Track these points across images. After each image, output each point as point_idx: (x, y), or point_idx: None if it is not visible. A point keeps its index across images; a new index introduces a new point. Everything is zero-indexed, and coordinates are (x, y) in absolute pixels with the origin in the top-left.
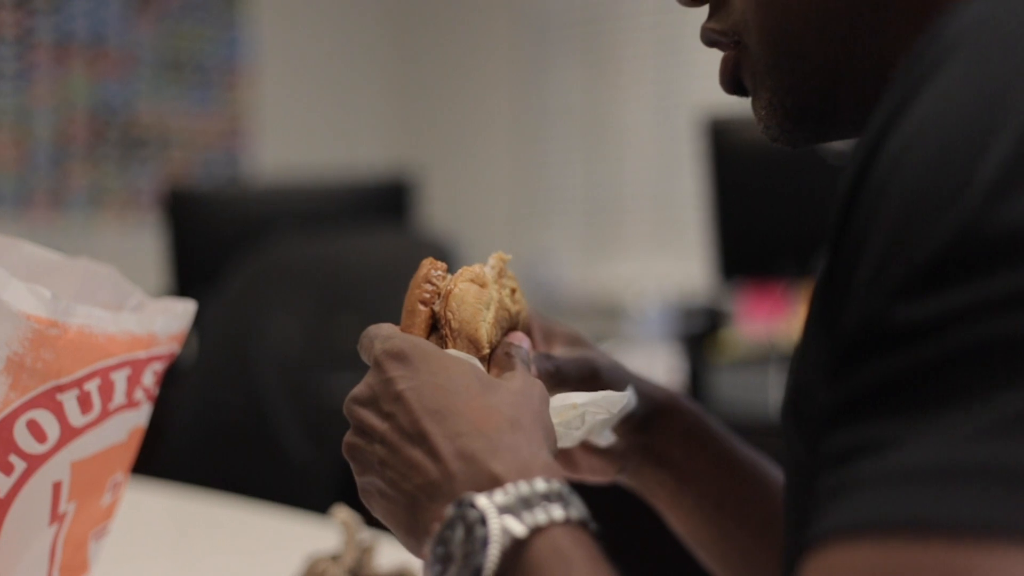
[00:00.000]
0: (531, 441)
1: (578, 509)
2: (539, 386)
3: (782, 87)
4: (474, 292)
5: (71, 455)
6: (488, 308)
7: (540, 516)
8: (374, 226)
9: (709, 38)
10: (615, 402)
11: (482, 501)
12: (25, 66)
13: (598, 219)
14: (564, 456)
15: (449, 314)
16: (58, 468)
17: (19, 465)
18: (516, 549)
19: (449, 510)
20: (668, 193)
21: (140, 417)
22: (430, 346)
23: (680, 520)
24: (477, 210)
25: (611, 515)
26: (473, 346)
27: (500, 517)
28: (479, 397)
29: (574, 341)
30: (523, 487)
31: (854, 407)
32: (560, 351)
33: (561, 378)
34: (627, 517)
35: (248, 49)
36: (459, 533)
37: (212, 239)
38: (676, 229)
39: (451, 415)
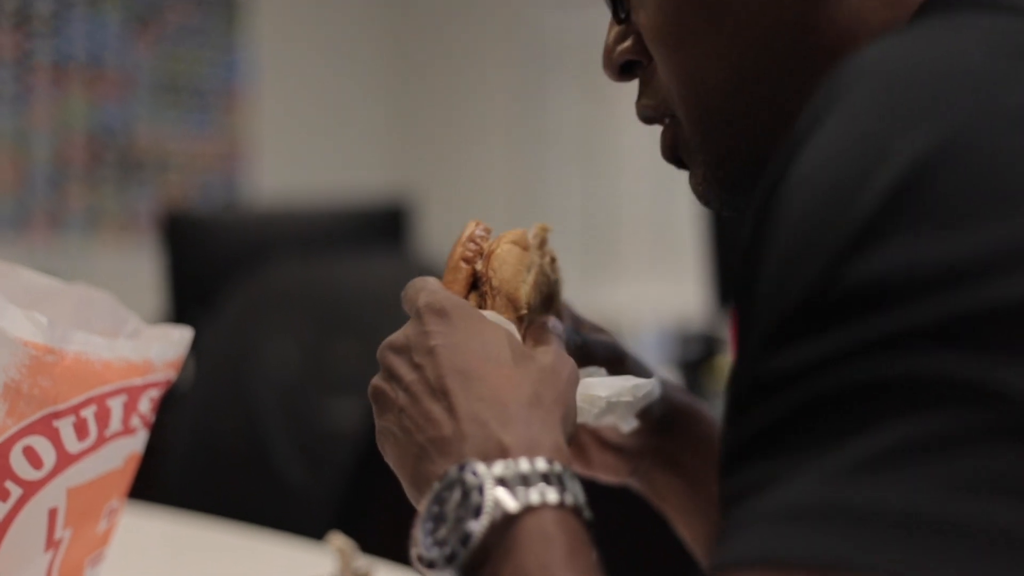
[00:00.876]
0: (546, 420)
1: (574, 495)
2: (570, 365)
3: (713, 160)
4: (516, 254)
5: (67, 481)
6: (529, 271)
7: (534, 496)
8: (372, 250)
9: (643, 115)
10: (640, 387)
11: (482, 469)
12: (24, 88)
13: (595, 244)
14: (578, 452)
15: (491, 272)
16: (54, 495)
17: (15, 491)
18: (505, 523)
19: (452, 471)
20: (665, 219)
21: (136, 444)
22: (472, 309)
23: (688, 526)
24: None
25: (619, 517)
26: (512, 305)
27: (496, 489)
28: (507, 367)
29: (600, 329)
30: (524, 464)
31: (739, 452)
32: (590, 334)
33: (588, 355)
34: (634, 519)
35: (246, 73)
36: (456, 496)
37: (209, 262)
38: (673, 254)
39: (476, 379)
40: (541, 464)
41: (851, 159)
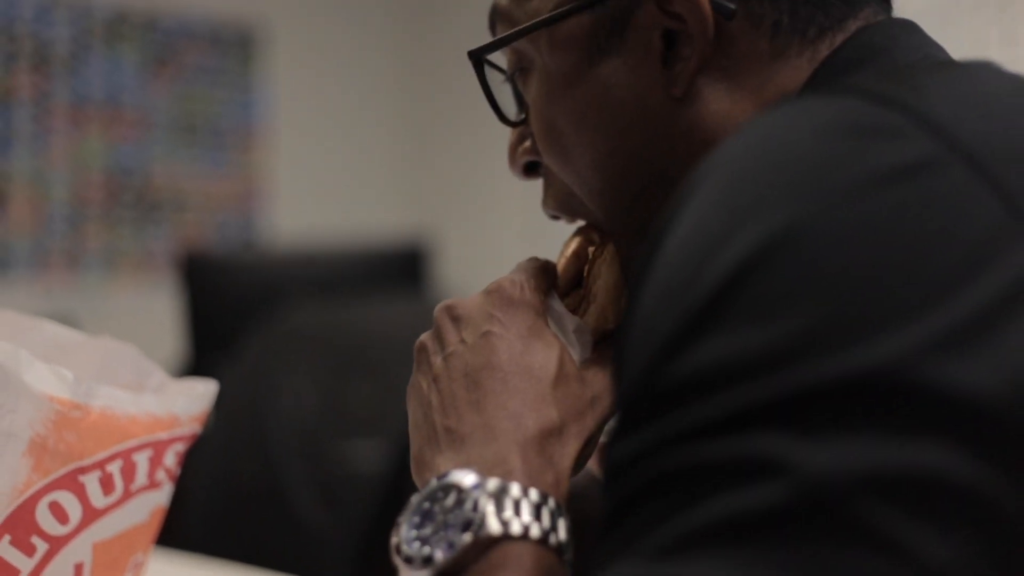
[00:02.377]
0: (559, 452)
1: (558, 534)
2: (611, 399)
3: (622, 242)
4: (619, 270)
5: (93, 536)
6: (626, 292)
7: (515, 526)
8: (390, 292)
9: (550, 216)
10: None
11: (480, 482)
12: (41, 128)
13: None
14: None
15: (593, 276)
16: (80, 549)
17: (41, 547)
18: (487, 543)
19: (452, 475)
20: None
21: (162, 497)
22: (539, 309)
23: None
24: (493, 275)
25: None
26: (602, 316)
27: (488, 507)
28: (546, 386)
29: None
30: (516, 490)
31: (600, 533)
32: None
33: None
34: None
35: (263, 112)
36: (449, 501)
37: (228, 303)
38: None
39: (512, 388)
40: (534, 496)
41: (687, 257)
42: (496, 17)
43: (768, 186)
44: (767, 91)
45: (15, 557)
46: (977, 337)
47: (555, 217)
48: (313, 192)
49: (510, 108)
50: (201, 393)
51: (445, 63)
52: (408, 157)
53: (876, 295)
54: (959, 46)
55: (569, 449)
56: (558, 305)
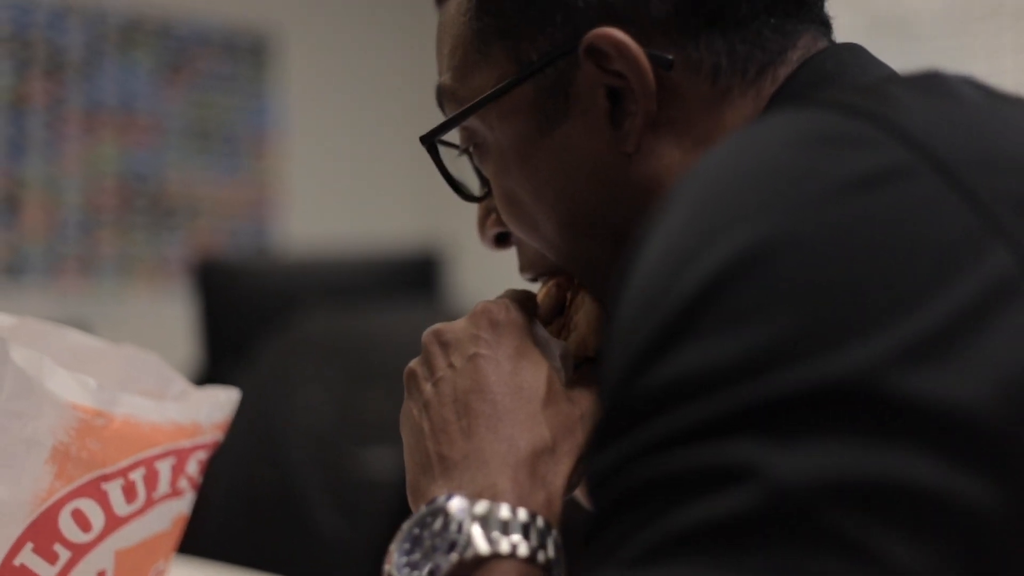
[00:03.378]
0: (551, 471)
1: (547, 553)
2: None
3: (601, 297)
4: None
5: (115, 544)
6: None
7: (505, 544)
8: (404, 300)
9: (528, 280)
10: None
11: (466, 506)
12: (55, 135)
13: None
14: None
15: (576, 305)
16: (102, 557)
17: (64, 554)
18: (474, 563)
19: (440, 499)
20: None
21: (183, 505)
22: (526, 330)
23: None
24: (506, 283)
25: None
26: (583, 345)
27: (474, 527)
28: (536, 405)
29: None
30: (505, 510)
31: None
32: None
33: None
34: None
35: (276, 119)
36: (437, 524)
37: (242, 310)
38: None
39: (501, 411)
40: (523, 515)
41: (660, 271)
42: (442, 97)
43: (739, 198)
44: (716, 134)
45: (38, 565)
46: (949, 345)
47: (533, 280)
48: (326, 199)
49: (472, 183)
50: (223, 401)
51: None
52: (421, 164)
53: (847, 304)
54: (973, 54)
55: (562, 467)
56: (542, 331)
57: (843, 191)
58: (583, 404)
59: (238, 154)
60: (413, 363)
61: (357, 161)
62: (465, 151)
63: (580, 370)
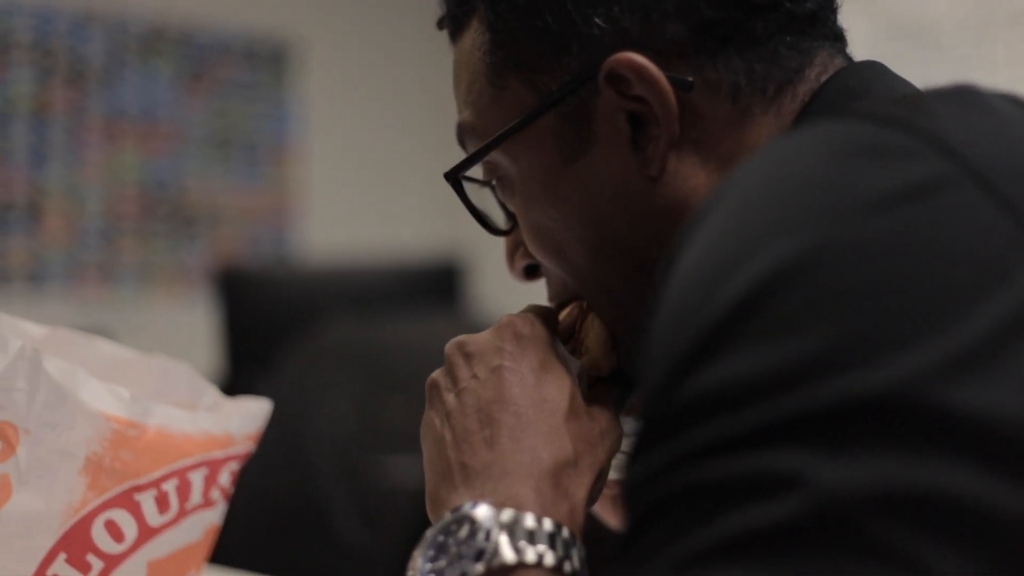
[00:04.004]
0: (574, 483)
1: (573, 563)
2: (618, 432)
3: (619, 333)
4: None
5: (148, 555)
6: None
7: (530, 554)
8: (426, 308)
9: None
10: None
11: (493, 514)
12: (76, 142)
13: None
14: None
15: (583, 333)
16: (135, 568)
17: (96, 565)
18: (500, 571)
19: (465, 507)
20: None
21: (215, 516)
22: (549, 343)
23: None
24: (529, 292)
25: None
26: (594, 366)
27: (501, 536)
28: (559, 418)
29: None
30: (529, 520)
31: (618, 552)
32: None
33: None
34: None
35: (297, 127)
36: (463, 532)
37: (263, 318)
38: None
39: (525, 423)
40: (548, 525)
41: (702, 278)
42: (463, 134)
43: (781, 208)
44: (739, 154)
45: (71, 575)
46: (992, 356)
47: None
48: (346, 207)
49: (497, 216)
50: (255, 412)
51: None
52: (442, 171)
53: (891, 315)
54: (994, 62)
55: (584, 480)
56: (562, 348)
57: (884, 202)
58: (602, 421)
59: (258, 162)
60: (436, 374)
61: (377, 169)
62: (489, 185)
63: (593, 390)
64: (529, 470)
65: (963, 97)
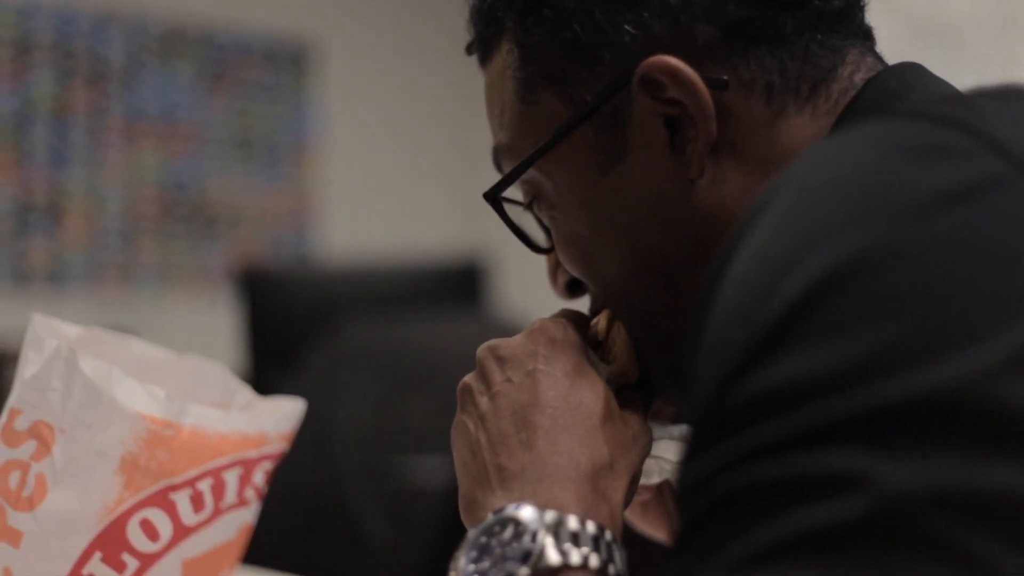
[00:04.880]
0: (611, 486)
1: (617, 566)
2: (648, 437)
3: (641, 341)
4: None
5: (183, 554)
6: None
7: (575, 556)
8: (448, 308)
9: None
10: None
11: (538, 515)
12: (97, 143)
13: None
14: (645, 510)
15: (611, 341)
16: (170, 567)
17: (132, 563)
18: (545, 573)
19: (509, 509)
20: None
21: (249, 515)
22: (581, 349)
23: None
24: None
25: None
26: (624, 372)
27: (547, 538)
28: (595, 422)
29: None
30: (572, 522)
31: (672, 553)
32: None
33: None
34: None
35: (316, 128)
36: (507, 534)
37: (284, 318)
38: None
39: (562, 426)
40: (591, 528)
41: (758, 277)
42: (499, 156)
43: (837, 208)
44: (775, 154)
45: (106, 574)
46: None
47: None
48: (366, 207)
49: (537, 234)
50: (289, 412)
51: None
52: (463, 171)
53: (950, 313)
54: (1017, 60)
55: (620, 483)
56: (592, 355)
57: (939, 202)
58: (633, 425)
59: (279, 162)
60: (468, 378)
61: (397, 169)
62: (527, 204)
63: (622, 395)
64: (567, 473)
65: (1009, 95)
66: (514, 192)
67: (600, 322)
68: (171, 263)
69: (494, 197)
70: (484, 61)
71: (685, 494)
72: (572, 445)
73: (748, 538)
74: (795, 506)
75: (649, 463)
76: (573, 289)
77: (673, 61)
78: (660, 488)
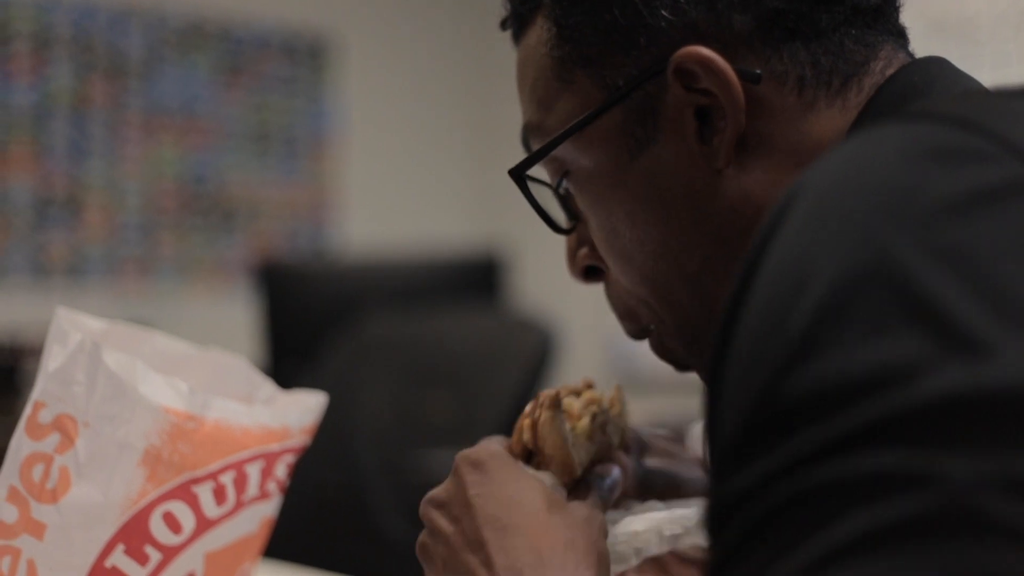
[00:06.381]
0: (581, 562)
1: None
2: (601, 519)
3: (667, 333)
4: (556, 420)
5: (205, 546)
6: (574, 430)
7: None
8: (467, 303)
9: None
10: (676, 522)
11: None
12: (116, 137)
13: None
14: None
15: (540, 443)
16: (192, 559)
17: (154, 556)
18: None
19: None
20: None
21: (271, 508)
22: (507, 458)
23: None
24: (568, 286)
25: None
26: (566, 471)
27: None
28: (542, 514)
29: (667, 454)
30: None
31: (713, 572)
32: (652, 462)
33: (647, 486)
34: None
35: (335, 122)
36: None
37: (303, 312)
38: None
39: (511, 528)
40: None
41: (787, 283)
42: (528, 133)
43: (860, 209)
44: (804, 147)
45: (129, 566)
46: None
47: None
48: (385, 201)
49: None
50: (311, 405)
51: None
52: (480, 166)
53: (990, 310)
54: None
55: (590, 558)
56: (528, 469)
57: (965, 205)
58: (583, 509)
59: (297, 156)
60: (420, 538)
61: (416, 163)
62: (550, 186)
63: (572, 492)
64: (534, 565)
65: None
66: (540, 173)
67: (524, 432)
68: (190, 256)
69: (519, 175)
70: (518, 37)
71: (727, 512)
72: (527, 541)
73: (813, 542)
74: (861, 506)
75: (622, 548)
76: (590, 274)
77: (707, 52)
78: (662, 561)
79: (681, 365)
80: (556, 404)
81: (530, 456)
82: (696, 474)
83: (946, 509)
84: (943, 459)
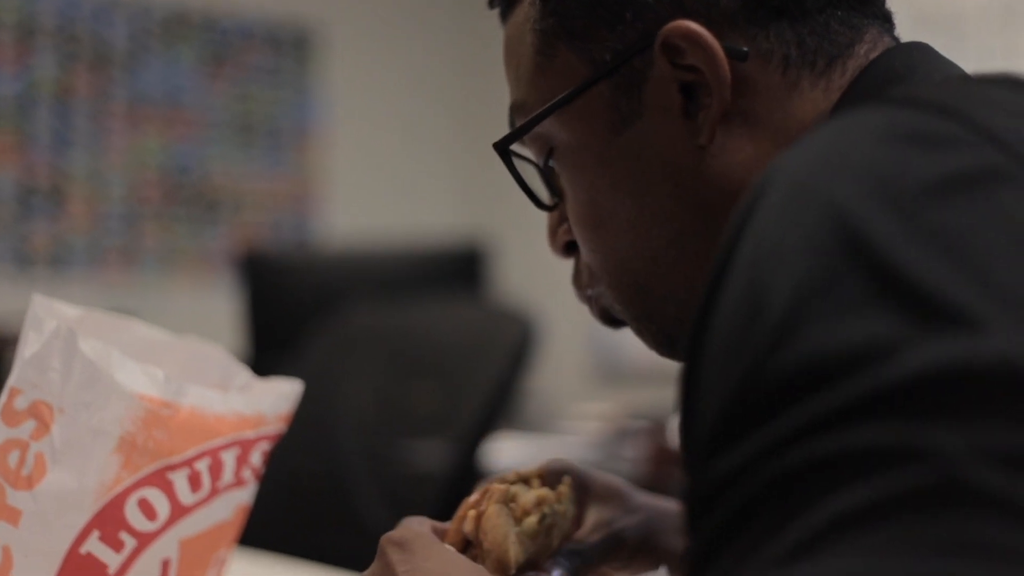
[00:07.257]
0: None
1: None
2: None
3: (641, 318)
4: (503, 515)
5: (180, 533)
6: (517, 527)
7: None
8: (449, 293)
9: (582, 297)
10: None
11: None
12: (99, 127)
13: None
14: None
15: (481, 535)
16: (167, 546)
17: (129, 542)
18: None
19: None
20: None
21: (246, 495)
22: (431, 538)
23: None
24: (550, 277)
25: None
26: (501, 567)
27: None
28: None
29: (607, 496)
30: None
31: (694, 563)
32: (592, 511)
33: (594, 563)
34: None
35: (320, 113)
36: None
37: (286, 302)
38: None
39: None
40: None
41: (760, 267)
42: (514, 112)
43: (837, 191)
44: (787, 127)
45: (104, 553)
46: None
47: (587, 299)
48: (369, 192)
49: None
50: (287, 393)
51: (503, 64)
52: (465, 158)
53: (969, 287)
54: (1019, 50)
55: None
56: (462, 558)
57: (940, 190)
58: None
59: (281, 147)
60: None
61: (400, 154)
62: (541, 161)
63: None
64: None
65: (1006, 84)
66: (525, 153)
67: (467, 523)
68: (173, 247)
69: (504, 148)
70: (505, 15)
71: (712, 493)
72: None
73: (808, 517)
74: (853, 481)
75: None
76: (570, 249)
77: (695, 27)
78: None
79: (614, 326)
80: (505, 499)
81: (467, 546)
82: (635, 519)
83: (938, 482)
84: (933, 432)
